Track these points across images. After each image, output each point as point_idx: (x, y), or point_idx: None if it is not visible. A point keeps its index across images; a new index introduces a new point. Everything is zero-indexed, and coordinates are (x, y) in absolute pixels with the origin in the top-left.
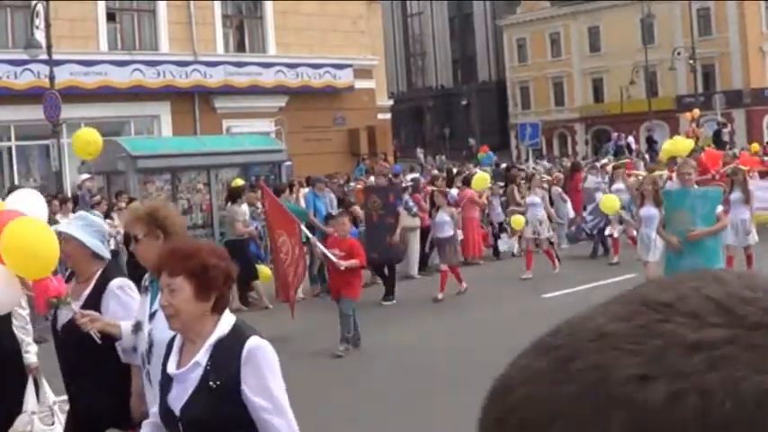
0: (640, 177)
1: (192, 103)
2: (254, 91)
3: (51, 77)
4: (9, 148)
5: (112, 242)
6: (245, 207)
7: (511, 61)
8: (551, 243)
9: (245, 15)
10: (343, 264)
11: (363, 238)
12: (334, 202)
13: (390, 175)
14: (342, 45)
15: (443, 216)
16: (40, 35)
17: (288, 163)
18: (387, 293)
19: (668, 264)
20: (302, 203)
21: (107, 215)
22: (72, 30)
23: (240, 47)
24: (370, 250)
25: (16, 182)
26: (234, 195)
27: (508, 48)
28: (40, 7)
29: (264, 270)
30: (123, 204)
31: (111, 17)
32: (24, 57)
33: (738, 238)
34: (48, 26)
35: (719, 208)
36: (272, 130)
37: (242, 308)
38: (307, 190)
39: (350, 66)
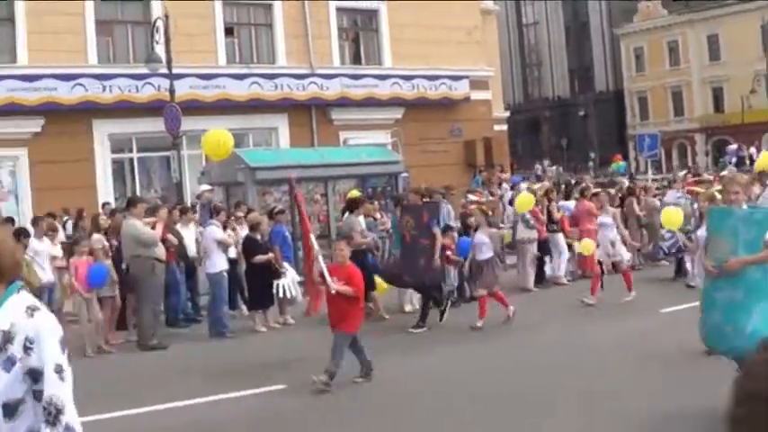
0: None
1: (310, 115)
2: (371, 103)
3: (171, 91)
4: (131, 160)
5: (232, 251)
6: (362, 218)
7: (628, 71)
8: (633, 267)
9: (361, 28)
10: (335, 287)
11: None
12: (452, 214)
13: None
14: (457, 56)
15: (482, 237)
16: (160, 50)
17: (404, 174)
18: (420, 320)
19: (705, 295)
20: None
21: (225, 225)
22: (191, 44)
23: (356, 59)
24: (404, 271)
25: (138, 192)
26: (351, 206)
27: (625, 57)
28: (159, 23)
29: (381, 282)
30: (242, 215)
31: (229, 31)
32: (145, 71)
33: None
34: (167, 41)
35: None
36: (389, 142)
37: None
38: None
39: (466, 77)
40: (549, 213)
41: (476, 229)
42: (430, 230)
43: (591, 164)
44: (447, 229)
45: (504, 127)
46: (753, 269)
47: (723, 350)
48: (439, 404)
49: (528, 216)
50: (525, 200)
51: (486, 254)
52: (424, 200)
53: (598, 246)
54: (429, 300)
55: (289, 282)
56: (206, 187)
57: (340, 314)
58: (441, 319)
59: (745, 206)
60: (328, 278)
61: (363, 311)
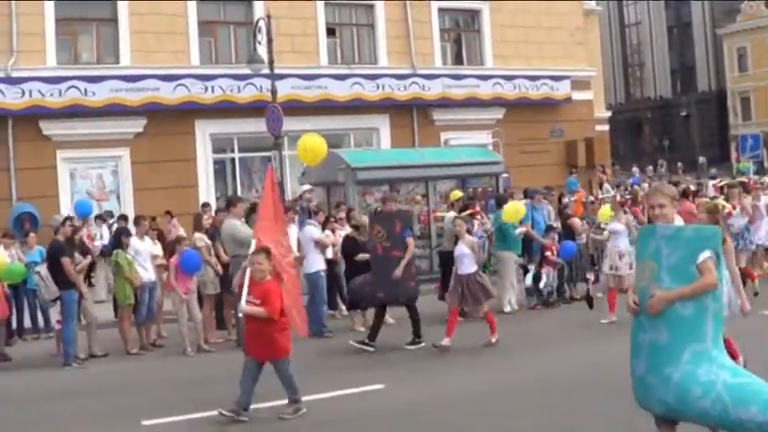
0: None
1: (411, 115)
2: (472, 103)
3: (273, 91)
4: (232, 160)
5: (329, 251)
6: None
7: (731, 71)
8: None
9: (463, 29)
10: (242, 308)
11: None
12: (552, 215)
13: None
14: (559, 57)
15: (462, 249)
16: (262, 50)
17: (505, 175)
18: (414, 336)
19: (631, 337)
20: None
21: (325, 226)
22: (293, 45)
23: (458, 60)
24: (377, 288)
25: (239, 192)
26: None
27: (728, 57)
28: (262, 24)
29: None
30: (343, 215)
31: (330, 32)
32: (247, 71)
33: None
34: (270, 42)
35: (703, 256)
36: (490, 142)
37: (459, 319)
38: (524, 202)
39: (567, 77)
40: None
41: (455, 242)
42: (403, 241)
43: (702, 163)
44: (548, 230)
45: (606, 127)
46: (684, 306)
47: (649, 405)
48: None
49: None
50: (512, 210)
51: (470, 268)
52: (398, 209)
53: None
54: (413, 310)
55: None
56: (306, 187)
57: (262, 340)
58: (410, 343)
59: (679, 222)
60: (244, 295)
61: (287, 331)
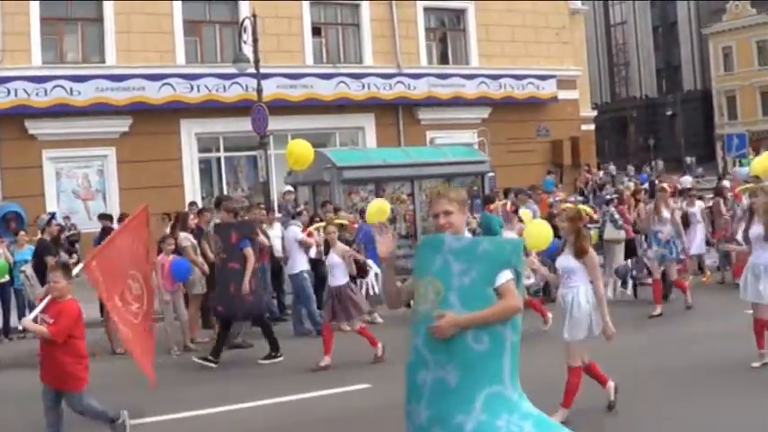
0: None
1: (396, 114)
2: (457, 102)
3: (259, 90)
4: (218, 159)
5: (313, 251)
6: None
7: (717, 70)
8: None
9: (449, 28)
10: (26, 323)
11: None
12: (538, 214)
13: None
14: (544, 56)
15: (334, 258)
16: (247, 50)
17: (491, 174)
18: (270, 350)
19: (407, 376)
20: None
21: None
22: (279, 44)
23: (443, 59)
24: (216, 301)
25: (225, 191)
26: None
27: (714, 56)
28: (247, 23)
29: None
30: (330, 214)
31: (316, 31)
32: (233, 71)
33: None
34: (255, 41)
35: (504, 276)
36: (475, 142)
37: None
38: (505, 202)
39: (553, 77)
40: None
41: (327, 251)
42: (239, 252)
43: (691, 163)
44: None
45: (592, 127)
46: (473, 335)
47: None
48: None
49: (617, 216)
50: (374, 209)
51: (340, 279)
52: (237, 218)
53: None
54: (264, 324)
55: (373, 280)
56: (288, 188)
57: (57, 369)
58: (265, 357)
59: (467, 233)
60: (36, 313)
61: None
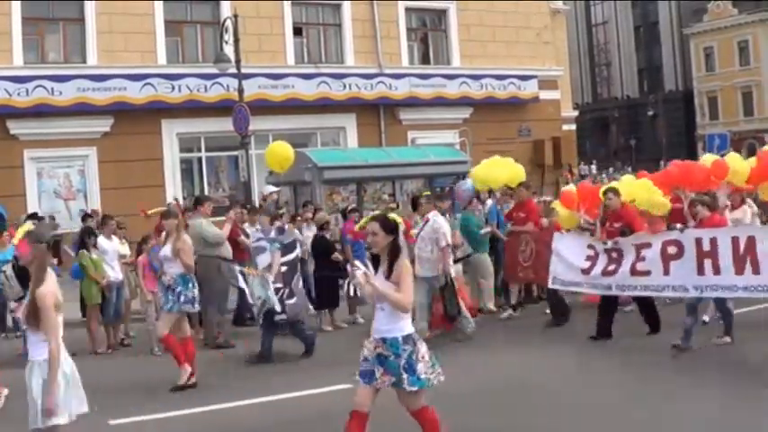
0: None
1: (378, 114)
2: (439, 102)
3: (240, 91)
4: (199, 159)
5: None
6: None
7: (698, 70)
8: None
9: (430, 28)
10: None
11: None
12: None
13: None
14: (526, 56)
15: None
16: (229, 50)
17: None
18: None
19: None
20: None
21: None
22: (260, 44)
23: (425, 59)
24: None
25: (206, 192)
26: (416, 205)
27: (695, 56)
28: (229, 23)
29: None
30: (310, 215)
31: (297, 32)
32: (214, 71)
33: None
34: (236, 41)
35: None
36: (457, 142)
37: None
38: (490, 201)
39: (534, 77)
40: None
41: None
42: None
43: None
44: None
45: (573, 127)
46: None
47: None
48: None
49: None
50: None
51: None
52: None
53: None
54: None
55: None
56: (272, 189)
57: None
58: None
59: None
60: None
61: None
